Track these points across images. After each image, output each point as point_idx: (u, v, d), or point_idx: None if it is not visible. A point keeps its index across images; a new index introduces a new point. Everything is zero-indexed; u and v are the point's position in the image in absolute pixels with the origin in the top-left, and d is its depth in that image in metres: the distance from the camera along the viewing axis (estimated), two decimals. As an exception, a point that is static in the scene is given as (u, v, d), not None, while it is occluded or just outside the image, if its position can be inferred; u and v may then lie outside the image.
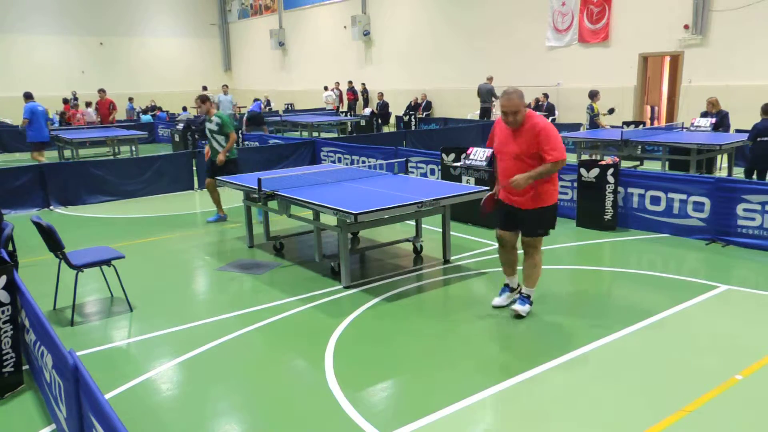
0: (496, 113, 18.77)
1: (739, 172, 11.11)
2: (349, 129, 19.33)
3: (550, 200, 4.97)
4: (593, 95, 13.59)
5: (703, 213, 7.21)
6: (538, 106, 17.85)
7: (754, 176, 9.25)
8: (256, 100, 19.47)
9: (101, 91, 19.55)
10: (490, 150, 8.20)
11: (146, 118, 22.50)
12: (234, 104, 18.54)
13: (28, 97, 13.69)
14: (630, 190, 7.83)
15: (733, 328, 4.84)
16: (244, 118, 17.32)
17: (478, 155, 8.21)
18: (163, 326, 5.18)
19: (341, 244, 5.97)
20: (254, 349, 4.73)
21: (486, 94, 18.56)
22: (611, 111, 14.49)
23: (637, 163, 11.44)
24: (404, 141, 14.53)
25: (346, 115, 21.26)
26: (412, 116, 19.69)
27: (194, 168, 11.61)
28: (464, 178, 8.28)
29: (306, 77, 28.65)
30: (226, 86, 20.32)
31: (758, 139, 9.10)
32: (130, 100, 25.53)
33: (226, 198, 10.56)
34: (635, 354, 4.44)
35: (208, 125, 8.62)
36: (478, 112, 18.91)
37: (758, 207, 6.78)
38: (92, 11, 29.47)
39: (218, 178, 7.88)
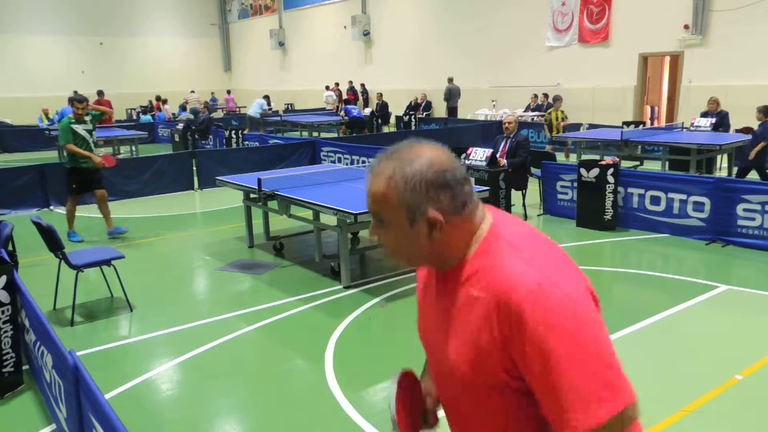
0: (478, 113, 19.43)
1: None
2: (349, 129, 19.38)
3: None
4: (555, 100, 13.54)
5: (703, 213, 7.21)
6: (538, 106, 17.85)
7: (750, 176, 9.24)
8: (347, 105, 20.24)
9: (100, 92, 19.67)
10: (490, 150, 8.24)
11: (146, 118, 22.49)
12: (263, 107, 19.20)
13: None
14: (630, 190, 7.82)
15: (733, 328, 4.84)
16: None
17: (478, 155, 8.22)
18: (163, 326, 5.18)
19: (341, 244, 5.97)
20: (254, 349, 4.73)
21: (456, 94, 19.90)
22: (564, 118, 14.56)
23: (637, 163, 11.44)
24: (404, 141, 14.52)
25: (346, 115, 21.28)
26: (412, 116, 19.71)
27: (194, 168, 11.61)
28: (464, 178, 8.26)
29: (306, 77, 28.64)
30: (264, 96, 21.26)
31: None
32: (186, 101, 25.42)
33: (227, 198, 10.57)
34: (635, 354, 4.44)
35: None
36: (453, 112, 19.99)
37: (758, 207, 6.77)
38: (92, 11, 29.46)
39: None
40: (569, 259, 1.32)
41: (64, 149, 7.96)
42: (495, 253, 1.28)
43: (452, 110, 20.19)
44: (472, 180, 1.29)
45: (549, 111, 13.74)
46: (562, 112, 13.58)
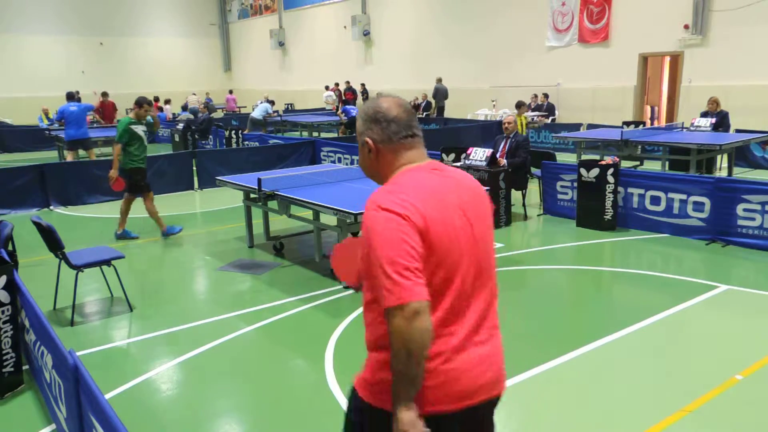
0: (478, 113, 19.45)
1: (739, 173, 11.12)
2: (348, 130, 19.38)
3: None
4: (519, 106, 12.56)
5: (703, 213, 7.21)
6: (538, 106, 17.86)
7: None
8: (346, 105, 20.53)
9: (104, 94, 19.76)
10: (490, 150, 8.24)
11: (146, 118, 22.47)
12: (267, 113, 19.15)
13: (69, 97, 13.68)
14: (630, 190, 7.83)
15: (733, 328, 4.84)
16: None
17: (478, 155, 8.22)
18: (163, 326, 5.18)
19: (341, 244, 5.96)
20: (254, 349, 4.73)
21: (443, 95, 20.26)
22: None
23: (637, 163, 11.44)
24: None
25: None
26: (412, 116, 19.80)
27: (194, 168, 11.61)
28: (464, 178, 8.25)
29: (306, 77, 28.64)
30: (269, 99, 21.43)
31: None
32: (187, 101, 24.75)
33: (227, 198, 10.57)
34: (635, 354, 4.44)
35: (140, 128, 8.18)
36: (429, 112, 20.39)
37: (758, 207, 6.78)
38: (92, 11, 29.45)
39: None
40: (437, 206, 1.81)
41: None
42: (388, 183, 1.92)
43: (439, 110, 20.52)
44: (411, 127, 1.68)
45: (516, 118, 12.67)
46: (525, 118, 12.69)
